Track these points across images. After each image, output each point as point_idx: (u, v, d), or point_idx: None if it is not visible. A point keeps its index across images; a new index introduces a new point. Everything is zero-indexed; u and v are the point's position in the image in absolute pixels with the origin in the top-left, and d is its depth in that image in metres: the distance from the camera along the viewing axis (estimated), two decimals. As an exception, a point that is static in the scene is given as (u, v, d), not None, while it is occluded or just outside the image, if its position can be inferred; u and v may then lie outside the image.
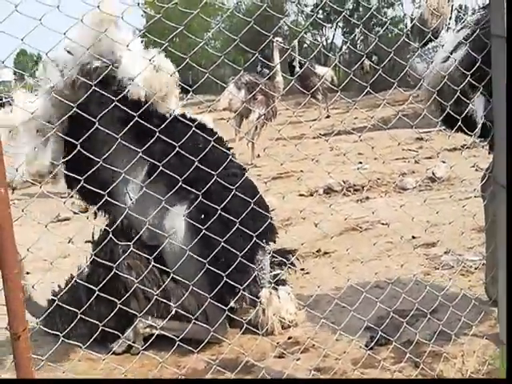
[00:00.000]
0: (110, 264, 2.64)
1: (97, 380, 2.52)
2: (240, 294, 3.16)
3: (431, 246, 4.69)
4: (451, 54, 3.19)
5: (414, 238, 4.89)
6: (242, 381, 2.65)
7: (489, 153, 3.08)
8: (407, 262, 3.99)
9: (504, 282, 2.58)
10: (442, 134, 5.93)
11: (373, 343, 3.12)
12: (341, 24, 26.64)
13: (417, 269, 4.14)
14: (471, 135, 3.12)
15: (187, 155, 2.64)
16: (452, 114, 2.99)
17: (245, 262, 2.92)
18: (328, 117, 14.27)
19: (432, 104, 3.26)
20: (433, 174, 7.04)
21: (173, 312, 3.12)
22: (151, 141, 2.51)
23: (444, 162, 7.33)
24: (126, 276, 3.11)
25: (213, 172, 2.68)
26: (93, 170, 2.22)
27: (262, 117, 9.24)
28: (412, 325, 3.17)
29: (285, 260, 3.68)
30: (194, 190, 2.82)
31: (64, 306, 2.62)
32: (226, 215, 2.79)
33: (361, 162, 8.40)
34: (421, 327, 3.12)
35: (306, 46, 27.51)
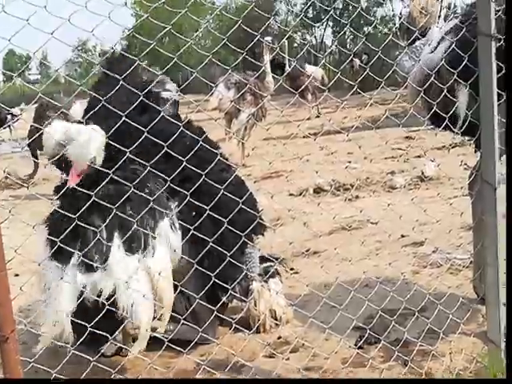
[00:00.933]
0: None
1: (96, 380, 2.50)
2: (231, 288, 3.16)
3: (420, 245, 4.71)
4: (436, 48, 3.21)
5: (402, 236, 4.92)
6: (242, 381, 2.64)
7: (475, 151, 3.09)
8: (396, 261, 4.02)
9: (493, 279, 2.60)
10: (431, 133, 5.97)
11: (361, 342, 3.14)
12: (330, 23, 26.72)
13: (405, 267, 4.16)
14: (458, 133, 3.14)
15: (175, 154, 2.64)
16: (438, 112, 3.00)
17: (235, 256, 2.92)
18: (318, 116, 14.31)
19: (419, 102, 3.27)
20: (422, 172, 7.08)
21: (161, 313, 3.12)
22: (138, 141, 2.50)
23: (433, 161, 7.36)
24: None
25: (199, 171, 2.67)
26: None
27: (252, 117, 9.24)
28: (401, 324, 3.19)
29: (273, 259, 3.68)
30: (181, 189, 2.82)
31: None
32: (215, 210, 2.78)
33: (350, 162, 8.43)
34: (409, 326, 3.13)
35: (295, 45, 27.55)
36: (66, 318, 2.58)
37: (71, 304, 2.63)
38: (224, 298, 3.24)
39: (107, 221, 2.66)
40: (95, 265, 2.66)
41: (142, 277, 2.72)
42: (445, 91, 2.96)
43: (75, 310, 2.43)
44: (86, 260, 2.63)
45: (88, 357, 2.31)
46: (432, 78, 2.99)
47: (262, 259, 3.70)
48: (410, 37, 3.49)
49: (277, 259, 3.71)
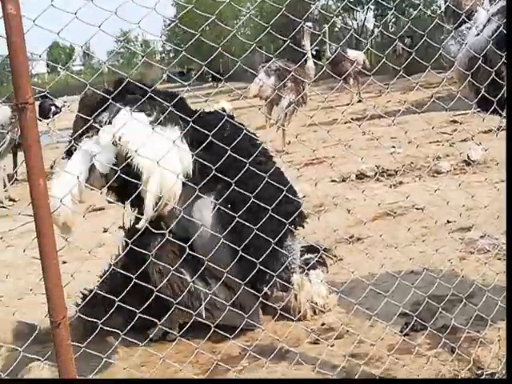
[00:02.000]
0: (145, 252, 2.67)
1: (96, 380, 2.53)
2: (270, 281, 3.18)
3: (467, 231, 4.63)
4: (482, 31, 3.12)
5: (449, 222, 4.83)
6: (242, 381, 2.66)
7: (523, 135, 3.00)
8: (442, 247, 3.95)
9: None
10: (477, 116, 5.84)
11: (408, 329, 3.11)
12: (372, 6, 26.29)
13: (452, 253, 4.09)
14: (506, 117, 3.06)
15: (216, 144, 2.66)
16: (486, 95, 2.92)
17: (275, 248, 2.93)
18: (360, 101, 14.14)
19: (466, 86, 3.20)
20: (468, 157, 6.92)
21: (206, 300, 3.16)
22: (183, 132, 2.53)
23: (479, 145, 7.20)
24: (160, 264, 3.15)
25: (243, 160, 2.68)
26: (127, 161, 2.26)
27: (293, 103, 9.20)
28: (448, 310, 3.14)
29: (317, 247, 3.68)
30: (222, 179, 2.83)
31: (102, 294, 2.67)
32: (255, 202, 2.79)
33: (394, 146, 8.31)
34: (456, 312, 3.09)
35: (336, 29, 27.24)
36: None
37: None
38: (264, 290, 3.26)
39: None
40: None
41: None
42: (492, 74, 2.88)
43: (123, 294, 2.46)
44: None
45: (137, 341, 2.35)
46: (479, 62, 2.92)
47: (306, 249, 3.70)
48: (456, 20, 3.40)
49: (319, 249, 3.70)
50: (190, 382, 2.59)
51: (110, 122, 2.90)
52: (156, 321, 2.65)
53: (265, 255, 2.83)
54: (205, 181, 2.73)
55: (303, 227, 3.59)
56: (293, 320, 3.18)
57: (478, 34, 3.14)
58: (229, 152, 2.59)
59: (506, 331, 2.44)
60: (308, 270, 3.55)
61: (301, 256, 3.61)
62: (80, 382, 2.25)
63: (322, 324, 3.45)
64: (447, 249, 4.17)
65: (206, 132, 2.53)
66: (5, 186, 8.14)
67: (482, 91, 2.93)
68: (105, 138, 2.84)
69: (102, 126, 2.88)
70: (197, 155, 2.90)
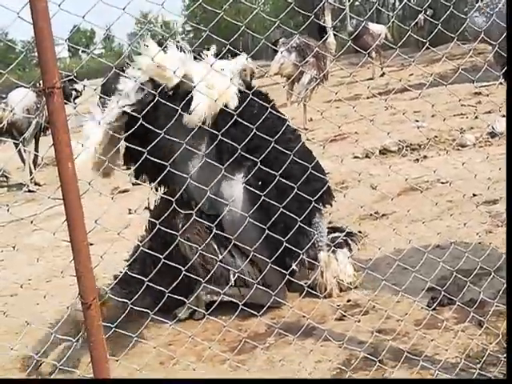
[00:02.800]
0: (172, 232, 2.70)
1: (96, 380, 2.55)
2: (299, 257, 3.18)
3: (493, 203, 4.58)
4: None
5: (474, 195, 4.78)
6: (242, 381, 2.66)
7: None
8: (469, 221, 3.91)
9: None
10: (501, 88, 5.72)
11: (435, 304, 3.10)
12: (393, -22, 25.79)
13: (479, 227, 4.05)
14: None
15: (244, 123, 2.66)
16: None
17: (303, 225, 2.93)
18: (383, 75, 13.95)
19: (492, 57, 3.14)
20: (493, 128, 6.81)
21: (233, 278, 3.19)
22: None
23: (504, 116, 7.06)
24: (188, 244, 3.18)
25: (269, 138, 2.68)
26: (155, 142, 2.28)
27: (314, 79, 9.11)
28: (475, 284, 3.12)
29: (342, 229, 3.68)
30: (250, 157, 2.84)
31: (130, 274, 2.70)
32: (283, 180, 2.79)
33: (417, 120, 8.20)
34: (484, 286, 3.07)
35: (357, 3, 26.82)
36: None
37: None
38: (292, 266, 3.27)
39: None
40: None
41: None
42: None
43: (151, 275, 2.49)
44: None
45: (166, 320, 2.38)
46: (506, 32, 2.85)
47: (333, 229, 3.70)
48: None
49: (344, 232, 3.68)
50: (191, 382, 2.61)
51: None
52: (184, 299, 2.67)
53: (292, 232, 2.84)
54: (233, 158, 2.73)
55: (331, 205, 3.58)
56: (319, 297, 3.19)
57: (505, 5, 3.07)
58: (253, 131, 2.59)
59: (506, 330, 2.41)
60: (335, 248, 3.55)
61: (328, 234, 3.61)
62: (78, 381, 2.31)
63: (348, 300, 3.45)
64: (474, 222, 4.13)
65: (231, 111, 2.53)
66: (30, 172, 8.24)
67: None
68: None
69: None
70: (225, 133, 2.87)
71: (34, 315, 3.66)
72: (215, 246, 3.28)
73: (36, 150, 8.42)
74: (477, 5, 3.41)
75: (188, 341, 2.94)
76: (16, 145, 8.15)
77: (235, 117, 2.58)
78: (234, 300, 3.05)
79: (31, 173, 8.21)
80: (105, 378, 1.79)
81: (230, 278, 3.29)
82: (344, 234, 3.64)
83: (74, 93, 9.13)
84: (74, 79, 8.17)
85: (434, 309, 3.08)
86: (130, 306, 2.16)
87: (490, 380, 2.45)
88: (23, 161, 8.35)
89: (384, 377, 2.61)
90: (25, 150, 8.18)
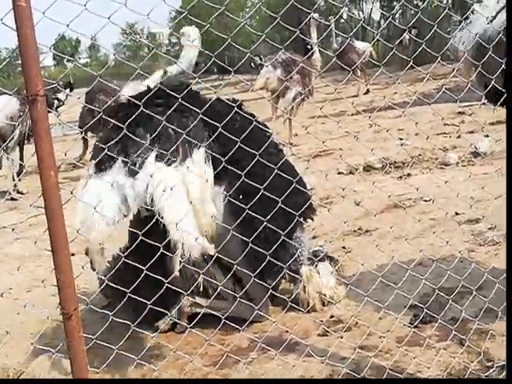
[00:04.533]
0: (155, 244, 2.67)
1: (96, 380, 2.52)
2: (281, 272, 3.17)
3: (476, 222, 4.61)
4: (494, 19, 3.08)
5: (457, 214, 4.82)
6: (242, 381, 2.65)
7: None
8: (452, 239, 3.94)
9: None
10: (484, 108, 5.79)
11: (417, 321, 3.10)
12: (378, -2, 26.15)
13: (461, 245, 4.08)
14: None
15: (226, 135, 2.66)
16: (496, 86, 2.89)
17: (284, 239, 2.93)
18: (367, 92, 14.07)
19: (475, 77, 3.17)
20: (475, 148, 6.89)
21: (216, 292, 3.16)
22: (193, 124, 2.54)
23: (487, 137, 7.15)
24: (169, 255, 3.15)
25: (251, 150, 2.67)
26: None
27: (299, 95, 9.15)
28: (457, 302, 3.13)
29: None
30: (232, 169, 2.83)
31: (111, 285, 2.67)
32: (265, 193, 2.79)
33: (401, 138, 8.27)
34: (466, 304, 3.08)
35: (342, 21, 27.09)
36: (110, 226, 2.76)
37: (114, 211, 2.80)
38: (275, 281, 3.26)
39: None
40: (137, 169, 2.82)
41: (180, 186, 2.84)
42: (503, 65, 2.85)
43: (134, 285, 2.46)
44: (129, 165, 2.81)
45: (147, 333, 2.35)
46: (489, 52, 2.88)
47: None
48: (464, 10, 3.38)
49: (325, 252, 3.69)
50: (191, 382, 2.59)
51: (135, 164, 2.88)
52: (166, 312, 2.65)
53: (275, 246, 2.83)
54: (216, 171, 2.73)
55: (312, 220, 3.58)
56: (302, 311, 3.18)
57: (488, 23, 3.11)
58: (238, 144, 2.59)
59: (506, 330, 2.43)
60: (317, 261, 3.54)
61: (309, 248, 3.61)
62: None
63: (331, 316, 3.44)
64: (456, 240, 4.16)
65: (215, 124, 2.52)
66: (13, 179, 8.14)
67: (493, 82, 2.90)
68: (139, 186, 2.85)
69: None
70: (208, 146, 2.89)
71: (14, 325, 3.60)
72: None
73: (21, 158, 8.34)
74: (460, 25, 3.45)
75: (170, 354, 2.91)
76: (-3, 152, 8.07)
77: (219, 129, 2.57)
78: (217, 314, 3.03)
79: (14, 180, 8.12)
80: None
81: (212, 291, 3.26)
82: (324, 254, 3.65)
83: (56, 102, 9.07)
84: (59, 87, 8.12)
85: (416, 326, 3.08)
86: (112, 317, 2.13)
87: (490, 380, 2.45)
88: (0, 167, 8.25)
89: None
90: (7, 158, 8.09)
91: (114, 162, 2.85)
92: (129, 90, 6.50)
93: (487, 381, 2.49)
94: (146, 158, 2.84)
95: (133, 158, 2.84)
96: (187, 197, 2.84)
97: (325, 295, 3.53)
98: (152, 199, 2.78)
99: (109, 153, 2.72)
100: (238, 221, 2.85)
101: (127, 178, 2.83)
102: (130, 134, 2.49)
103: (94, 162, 2.95)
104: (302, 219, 3.39)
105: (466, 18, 3.37)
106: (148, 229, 2.71)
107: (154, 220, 2.73)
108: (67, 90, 9.31)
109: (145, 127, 2.86)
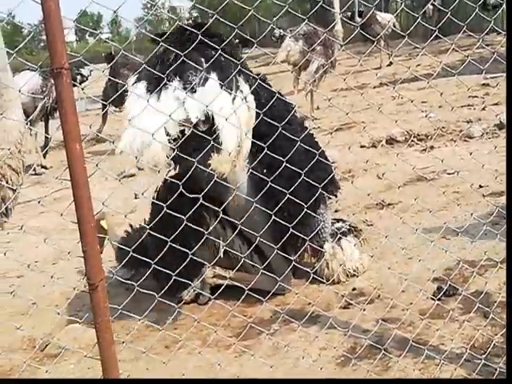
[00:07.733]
0: (178, 215, 2.68)
1: (96, 380, 2.56)
2: (303, 246, 3.18)
3: (500, 195, 4.55)
4: None
5: (481, 187, 4.76)
6: (242, 381, 2.66)
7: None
8: (476, 212, 3.89)
9: None
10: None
11: (441, 294, 3.09)
12: (401, -33, 25.56)
13: (486, 218, 4.03)
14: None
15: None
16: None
17: (308, 212, 2.92)
18: (390, 64, 13.86)
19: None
20: (500, 120, 6.76)
21: (239, 264, 3.18)
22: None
23: (513, 108, 7.01)
24: (193, 227, 3.17)
25: (276, 124, 2.66)
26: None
27: (322, 67, 9.04)
28: (481, 275, 3.12)
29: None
30: (256, 143, 2.83)
31: (136, 256, 2.69)
32: (289, 168, 2.78)
33: (424, 111, 8.16)
34: (490, 277, 3.06)
35: (365, -9, 26.61)
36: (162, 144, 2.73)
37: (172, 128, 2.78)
38: (297, 253, 3.26)
39: None
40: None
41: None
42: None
43: (159, 257, 2.48)
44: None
45: (172, 303, 2.38)
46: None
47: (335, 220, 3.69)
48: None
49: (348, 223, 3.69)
50: (191, 381, 2.61)
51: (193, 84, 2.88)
52: (190, 282, 2.67)
53: (297, 219, 2.83)
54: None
55: (336, 196, 3.58)
56: (324, 283, 3.18)
57: None
58: (261, 116, 2.58)
59: (506, 330, 2.41)
60: (340, 236, 3.54)
61: (332, 224, 3.61)
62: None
63: (354, 289, 3.45)
64: (480, 213, 4.12)
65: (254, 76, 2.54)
66: (38, 154, 8.22)
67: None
68: (200, 99, 2.84)
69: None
70: None
71: (40, 297, 3.67)
72: (221, 230, 3.28)
73: (46, 131, 8.40)
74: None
75: (193, 325, 2.95)
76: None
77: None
78: (240, 285, 3.05)
79: (39, 154, 8.20)
80: (111, 360, 1.79)
81: (235, 263, 3.28)
82: (347, 225, 3.65)
83: (79, 77, 9.10)
84: (83, 62, 8.15)
85: (439, 299, 3.07)
86: (136, 287, 2.15)
87: (490, 380, 2.45)
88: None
89: (388, 366, 2.61)
90: (30, 133, 8.16)
91: (170, 80, 2.85)
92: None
93: (487, 381, 2.48)
94: (205, 80, 2.86)
95: (191, 78, 2.86)
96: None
97: (349, 268, 3.53)
98: (208, 115, 2.81)
99: (160, 74, 2.71)
100: (261, 193, 2.85)
101: (186, 93, 2.84)
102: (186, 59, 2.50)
103: (141, 82, 2.94)
104: (325, 194, 3.38)
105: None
106: (173, 200, 2.73)
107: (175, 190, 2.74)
108: (103, 64, 9.30)
109: (200, 52, 2.88)
